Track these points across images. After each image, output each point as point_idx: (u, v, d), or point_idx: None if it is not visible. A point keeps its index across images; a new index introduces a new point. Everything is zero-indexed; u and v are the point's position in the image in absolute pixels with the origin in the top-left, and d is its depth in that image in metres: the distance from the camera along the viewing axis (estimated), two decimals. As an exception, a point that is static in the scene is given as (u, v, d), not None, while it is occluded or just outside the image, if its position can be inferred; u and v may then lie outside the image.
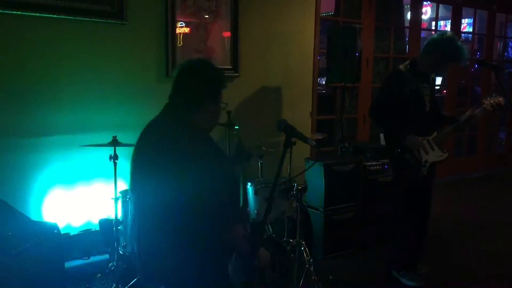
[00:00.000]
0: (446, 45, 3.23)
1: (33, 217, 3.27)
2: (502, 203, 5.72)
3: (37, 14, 3.32)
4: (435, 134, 3.39)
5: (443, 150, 3.42)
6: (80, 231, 3.65)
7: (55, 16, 3.38)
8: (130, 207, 2.02)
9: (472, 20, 7.52)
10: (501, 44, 8.65)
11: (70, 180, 3.58)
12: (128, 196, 2.98)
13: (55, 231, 2.83)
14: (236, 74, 4.40)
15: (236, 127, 3.22)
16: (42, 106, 3.43)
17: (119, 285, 3.04)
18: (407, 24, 6.78)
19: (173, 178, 1.81)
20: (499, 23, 7.94)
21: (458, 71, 7.15)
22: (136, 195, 2.00)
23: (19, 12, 3.24)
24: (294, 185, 3.33)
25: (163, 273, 1.92)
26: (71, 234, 3.59)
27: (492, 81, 7.29)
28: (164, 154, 1.85)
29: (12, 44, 3.28)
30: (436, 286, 3.54)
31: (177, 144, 1.86)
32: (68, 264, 3.32)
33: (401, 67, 3.42)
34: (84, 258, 3.57)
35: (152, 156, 1.89)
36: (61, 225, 3.08)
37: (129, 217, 2.03)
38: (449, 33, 3.36)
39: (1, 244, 2.50)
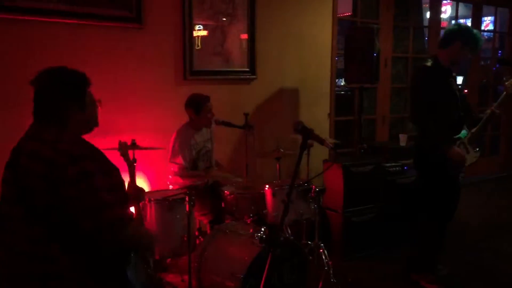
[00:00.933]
0: (463, 34, 3.25)
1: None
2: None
3: (58, 20, 3.37)
4: (469, 134, 3.37)
5: (476, 149, 3.39)
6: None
7: (75, 22, 3.44)
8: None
9: (493, 18, 7.39)
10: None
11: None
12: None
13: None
14: (254, 76, 4.41)
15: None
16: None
17: None
18: (426, 23, 6.70)
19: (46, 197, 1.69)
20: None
21: (479, 70, 7.04)
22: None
23: (39, 19, 3.30)
24: (312, 187, 3.31)
25: None
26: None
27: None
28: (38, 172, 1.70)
29: (32, 49, 3.34)
30: (458, 288, 3.50)
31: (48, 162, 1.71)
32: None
33: (427, 63, 3.38)
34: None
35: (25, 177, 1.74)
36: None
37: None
38: (462, 23, 3.36)
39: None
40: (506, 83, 3.37)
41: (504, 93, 3.39)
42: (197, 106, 3.54)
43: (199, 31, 4.09)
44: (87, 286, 1.74)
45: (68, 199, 1.68)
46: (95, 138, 3.43)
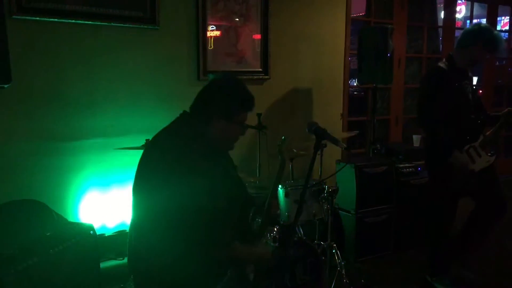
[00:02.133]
0: (485, 34, 3.16)
1: (70, 218, 3.37)
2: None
3: (74, 21, 3.41)
4: (481, 138, 3.27)
5: (490, 153, 3.28)
6: (115, 232, 3.73)
7: (90, 22, 3.48)
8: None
9: (508, 18, 7.30)
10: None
11: (105, 182, 3.67)
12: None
13: (91, 232, 2.91)
14: (267, 77, 4.42)
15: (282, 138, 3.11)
16: (79, 110, 3.53)
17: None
18: (440, 23, 6.65)
19: (166, 191, 1.79)
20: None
21: (494, 70, 6.96)
22: (135, 201, 1.96)
23: (56, 20, 3.35)
24: (325, 187, 3.31)
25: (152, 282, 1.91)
26: (106, 235, 3.67)
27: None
28: (162, 165, 1.83)
29: (51, 50, 3.39)
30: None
31: (175, 158, 1.83)
32: (104, 264, 3.39)
33: (441, 64, 3.33)
34: (119, 258, 3.63)
35: (153, 165, 1.90)
36: (96, 226, 3.15)
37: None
38: (484, 23, 3.28)
39: (41, 244, 2.58)
40: None
41: None
42: None
43: (213, 32, 4.11)
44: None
45: (158, 195, 1.79)
46: (111, 138, 3.48)
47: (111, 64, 3.63)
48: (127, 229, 3.71)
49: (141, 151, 3.09)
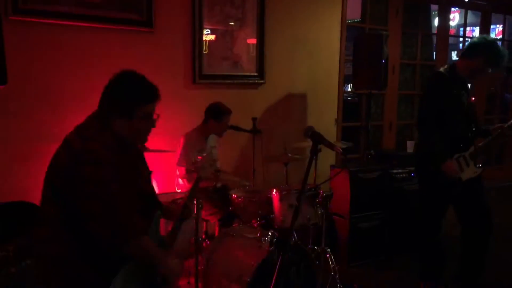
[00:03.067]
0: (489, 50, 3.15)
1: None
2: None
3: (70, 23, 3.41)
4: (472, 148, 3.27)
5: (478, 165, 3.28)
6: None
7: (86, 24, 3.47)
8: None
9: (502, 26, 7.39)
10: (532, 50, 8.46)
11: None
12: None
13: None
14: (262, 81, 4.43)
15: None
16: (74, 112, 3.50)
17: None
18: (434, 30, 6.70)
19: (78, 191, 1.77)
20: (530, 29, 7.78)
21: (487, 77, 7.02)
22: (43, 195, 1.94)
23: (52, 21, 3.34)
24: (320, 192, 3.32)
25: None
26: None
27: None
28: (72, 166, 1.80)
29: (46, 52, 3.38)
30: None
31: (86, 157, 1.80)
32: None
33: (442, 70, 3.34)
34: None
35: (56, 166, 1.89)
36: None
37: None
38: (491, 37, 3.27)
39: (33, 247, 2.56)
40: None
41: None
42: (219, 116, 3.62)
43: (208, 35, 4.12)
44: (84, 276, 1.80)
45: (78, 195, 1.76)
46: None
47: (107, 66, 3.61)
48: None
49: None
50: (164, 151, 3.28)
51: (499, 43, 7.36)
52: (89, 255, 1.81)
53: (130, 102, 1.95)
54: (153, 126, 2.04)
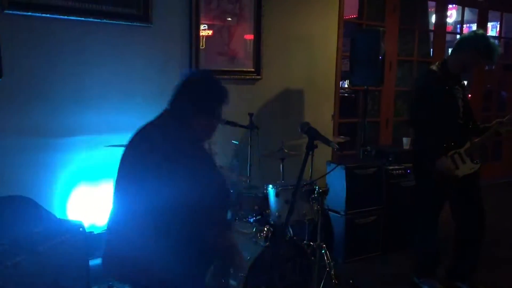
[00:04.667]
0: (479, 42, 3.15)
1: (59, 215, 3.34)
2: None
3: (65, 17, 3.39)
4: (467, 145, 3.27)
5: (475, 161, 3.28)
6: (104, 230, 3.70)
7: (82, 18, 3.46)
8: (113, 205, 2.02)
9: (497, 23, 7.40)
10: (529, 47, 8.48)
11: (95, 179, 3.65)
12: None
13: (80, 229, 2.88)
14: (259, 77, 4.43)
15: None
16: (69, 106, 3.51)
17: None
18: (431, 27, 6.71)
19: (158, 181, 1.83)
20: (527, 27, 7.79)
21: (484, 75, 7.05)
22: (119, 196, 1.99)
23: (48, 15, 3.32)
24: (316, 188, 3.32)
25: (134, 273, 1.92)
26: (96, 232, 3.65)
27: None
28: (152, 157, 1.87)
29: (41, 45, 3.36)
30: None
31: (165, 149, 1.89)
32: (93, 262, 3.37)
33: (433, 67, 3.34)
34: (108, 256, 3.60)
35: (141, 159, 1.92)
36: (86, 223, 3.13)
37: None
38: (481, 31, 3.28)
39: (30, 240, 2.56)
40: None
41: None
42: None
43: (205, 31, 4.11)
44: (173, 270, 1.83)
45: (170, 189, 1.81)
46: (102, 135, 3.48)
47: (103, 60, 3.62)
48: (117, 227, 3.71)
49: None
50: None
51: (496, 41, 7.36)
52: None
53: (214, 101, 2.03)
54: (220, 123, 2.13)
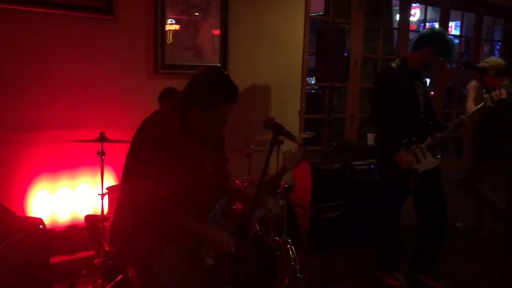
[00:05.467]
0: (437, 39, 3.24)
1: (19, 212, 3.25)
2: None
3: (26, 8, 3.29)
4: (428, 140, 3.34)
5: (436, 156, 3.36)
6: (66, 227, 3.63)
7: (44, 10, 3.36)
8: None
9: (460, 23, 7.61)
10: (488, 47, 8.76)
11: (57, 175, 3.56)
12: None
13: (41, 226, 2.81)
14: (225, 72, 4.40)
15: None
16: (30, 100, 3.41)
17: (105, 282, 3.04)
18: (395, 25, 6.83)
19: (137, 170, 1.97)
20: (487, 26, 8.03)
21: (445, 73, 7.23)
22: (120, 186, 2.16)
23: (6, 6, 3.21)
24: (281, 183, 3.34)
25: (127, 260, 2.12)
26: (57, 230, 3.57)
27: (479, 83, 7.36)
28: (139, 147, 2.00)
29: (1, 38, 3.25)
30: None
31: (149, 140, 1.98)
32: (54, 260, 3.30)
33: (393, 64, 3.41)
34: (70, 254, 3.54)
35: (131, 150, 2.05)
36: (47, 220, 3.06)
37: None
38: (438, 28, 3.36)
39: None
40: (486, 95, 3.26)
41: (482, 104, 3.32)
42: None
43: (172, 25, 4.06)
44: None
45: (136, 173, 1.96)
46: (64, 130, 3.40)
47: (65, 54, 3.53)
48: (79, 224, 3.64)
49: (96, 145, 3.07)
50: (124, 141, 3.21)
51: (457, 40, 7.55)
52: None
53: (215, 98, 2.03)
54: (225, 123, 2.13)
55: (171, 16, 4.03)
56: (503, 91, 3.12)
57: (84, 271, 3.23)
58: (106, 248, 3.09)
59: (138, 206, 1.95)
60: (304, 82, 5.13)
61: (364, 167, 4.36)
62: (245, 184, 3.33)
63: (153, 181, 1.90)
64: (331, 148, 4.59)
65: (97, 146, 3.09)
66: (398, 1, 6.51)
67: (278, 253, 3.21)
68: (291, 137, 2.07)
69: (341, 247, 4.19)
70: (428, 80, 8.00)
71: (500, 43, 8.28)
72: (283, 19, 4.83)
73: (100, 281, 3.04)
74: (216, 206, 2.20)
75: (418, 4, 7.64)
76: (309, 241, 4.01)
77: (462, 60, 7.48)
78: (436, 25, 6.54)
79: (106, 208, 3.15)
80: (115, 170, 3.71)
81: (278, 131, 2.05)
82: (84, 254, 3.57)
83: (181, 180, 1.95)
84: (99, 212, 3.16)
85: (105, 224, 3.09)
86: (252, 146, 3.70)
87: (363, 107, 6.20)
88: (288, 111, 5.00)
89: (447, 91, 7.40)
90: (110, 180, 3.67)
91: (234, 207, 3.19)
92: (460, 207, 5.59)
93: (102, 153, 3.08)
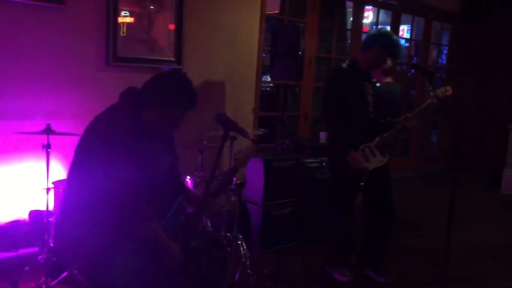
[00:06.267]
0: (384, 38, 3.33)
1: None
2: (431, 202, 5.97)
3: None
4: (377, 139, 3.39)
5: (384, 154, 3.43)
6: (8, 223, 3.48)
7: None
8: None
9: (409, 26, 7.86)
10: (436, 51, 9.09)
11: (0, 168, 3.41)
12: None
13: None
14: (179, 67, 4.36)
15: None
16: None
17: (48, 279, 2.94)
18: (349, 26, 6.97)
19: (89, 167, 1.95)
20: (435, 31, 8.33)
21: (395, 75, 7.44)
22: (67, 182, 2.11)
23: None
24: (233, 180, 3.34)
25: (76, 259, 2.06)
26: (-1, 225, 3.43)
27: (427, 85, 7.62)
28: (93, 143, 1.97)
29: None
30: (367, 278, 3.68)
31: (103, 135, 1.96)
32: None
33: (343, 64, 3.47)
34: (12, 250, 3.41)
35: (82, 145, 2.02)
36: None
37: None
38: (384, 29, 3.47)
39: None
40: (432, 93, 3.26)
41: (428, 101, 3.31)
42: None
43: (126, 18, 3.97)
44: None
45: (93, 171, 1.92)
46: (8, 121, 3.26)
47: (13, 42, 3.38)
48: (22, 219, 3.50)
49: (42, 137, 2.95)
50: (71, 134, 3.12)
51: (407, 43, 7.78)
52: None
53: (172, 103, 2.04)
54: (177, 127, 2.15)
55: (125, 8, 3.94)
56: (449, 88, 3.21)
57: (27, 268, 3.11)
58: (51, 245, 2.99)
59: (93, 204, 1.91)
60: (259, 80, 5.15)
61: (316, 164, 4.43)
62: (197, 180, 3.30)
63: (108, 179, 1.86)
64: (284, 146, 4.63)
65: (43, 138, 2.98)
66: (352, 3, 6.64)
67: (229, 249, 3.22)
68: (243, 133, 2.07)
69: (292, 243, 4.24)
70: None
71: (447, 47, 8.61)
72: (239, 16, 4.83)
73: (43, 278, 2.94)
74: (174, 206, 2.17)
75: (371, 7, 7.82)
76: (260, 237, 4.04)
77: (411, 63, 7.73)
78: (388, 28, 6.70)
79: (51, 204, 3.05)
80: (62, 164, 3.59)
81: (230, 126, 2.05)
82: (27, 250, 3.44)
83: (136, 178, 1.92)
84: (44, 208, 3.05)
85: (50, 219, 2.99)
86: (205, 142, 3.68)
87: (317, 106, 6.29)
88: (242, 108, 5.01)
89: (397, 92, 7.62)
90: (56, 174, 3.56)
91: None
92: (408, 205, 5.79)
93: (48, 146, 2.98)
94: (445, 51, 8.85)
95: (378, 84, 3.62)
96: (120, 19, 3.91)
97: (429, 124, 8.34)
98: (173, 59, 4.31)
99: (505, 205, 6.22)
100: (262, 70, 5.27)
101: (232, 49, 4.81)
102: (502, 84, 7.23)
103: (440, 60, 9.25)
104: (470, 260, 4.14)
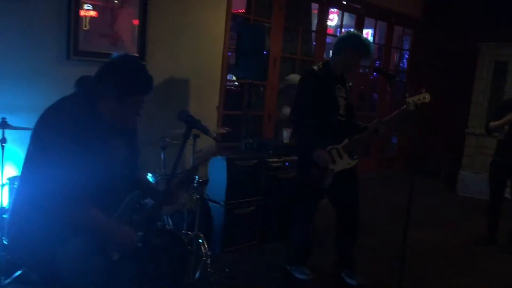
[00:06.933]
0: (354, 40, 3.35)
1: None
2: (389, 203, 6.11)
3: None
4: (345, 141, 3.41)
5: (353, 157, 3.44)
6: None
7: None
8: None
9: (373, 30, 8.02)
10: (398, 55, 9.32)
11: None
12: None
13: None
14: (143, 63, 4.29)
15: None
16: None
17: (2, 277, 2.84)
18: (314, 28, 7.05)
19: (34, 156, 1.93)
20: (397, 36, 8.54)
21: (358, 78, 7.58)
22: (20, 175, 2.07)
23: None
24: (196, 178, 3.33)
25: (25, 255, 1.99)
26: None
27: (388, 88, 7.82)
28: (41, 134, 1.93)
29: None
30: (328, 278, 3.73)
31: (52, 127, 1.92)
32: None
33: (315, 67, 3.47)
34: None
35: (32, 138, 1.97)
36: None
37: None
38: (354, 31, 3.51)
39: None
40: (409, 100, 3.12)
41: (404, 107, 3.19)
42: None
43: (89, 11, 3.88)
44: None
45: (36, 157, 1.91)
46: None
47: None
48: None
49: (-4, 131, 2.86)
50: (26, 128, 3.02)
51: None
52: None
53: (126, 89, 1.98)
54: (138, 114, 2.11)
55: (87, 1, 3.85)
56: (427, 96, 3.21)
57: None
58: (4, 242, 2.89)
59: (40, 197, 1.86)
60: (223, 78, 5.14)
61: (279, 164, 4.46)
62: (158, 177, 3.27)
63: (57, 170, 1.82)
64: (247, 145, 4.64)
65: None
66: (317, 5, 6.72)
67: (189, 247, 3.20)
68: (205, 131, 2.07)
69: (254, 242, 4.25)
70: (351, 83, 8.37)
71: (408, 52, 8.84)
72: (205, 14, 4.80)
73: (-4, 277, 2.85)
74: (127, 200, 2.14)
75: (336, 10, 7.94)
76: (222, 236, 4.03)
77: (373, 66, 7.91)
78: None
79: (6, 200, 2.95)
80: (18, 159, 3.47)
81: (192, 124, 2.04)
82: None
83: (85, 170, 1.87)
84: (-2, 204, 2.95)
85: (4, 216, 2.89)
86: (167, 139, 3.64)
87: (281, 106, 6.33)
88: (207, 106, 4.98)
89: (359, 95, 7.78)
90: (12, 170, 3.44)
91: (146, 201, 3.13)
92: (372, 205, 5.88)
93: (3, 140, 2.88)
94: (406, 56, 9.09)
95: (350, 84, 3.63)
96: (82, 12, 3.82)
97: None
98: (137, 55, 4.24)
99: (461, 206, 6.44)
100: (227, 68, 5.26)
101: (198, 47, 4.78)
102: (461, 89, 7.45)
103: (401, 64, 9.48)
104: (424, 259, 4.26)
